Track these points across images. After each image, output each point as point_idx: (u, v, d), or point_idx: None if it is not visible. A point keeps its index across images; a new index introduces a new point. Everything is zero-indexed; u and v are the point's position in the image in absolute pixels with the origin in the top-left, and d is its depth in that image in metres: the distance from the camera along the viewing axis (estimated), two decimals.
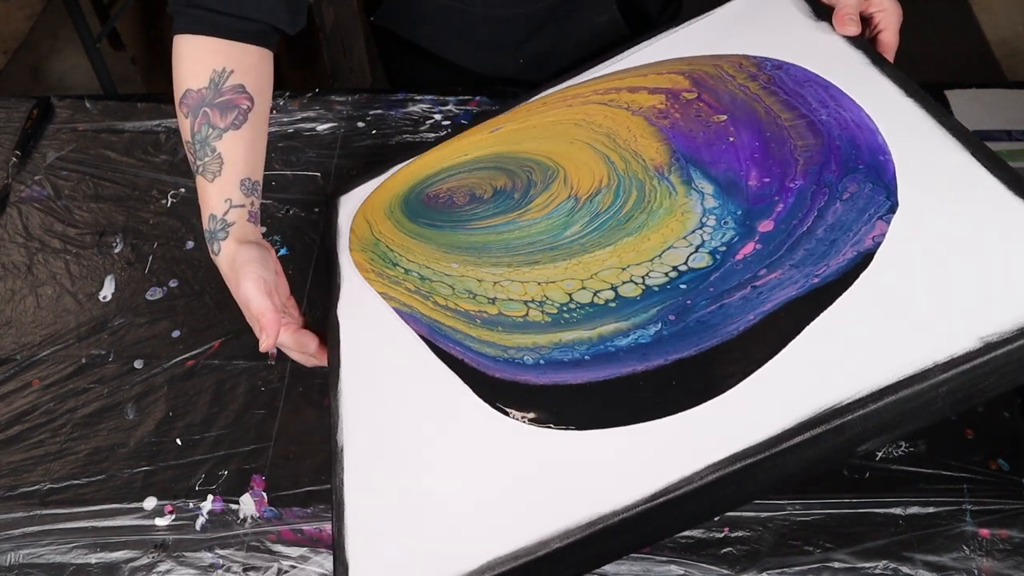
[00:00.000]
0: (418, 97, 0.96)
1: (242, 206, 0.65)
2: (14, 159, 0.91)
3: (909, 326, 0.46)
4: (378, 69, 2.01)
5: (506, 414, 0.54)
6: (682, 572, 0.61)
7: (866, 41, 0.66)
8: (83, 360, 0.75)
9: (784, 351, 0.48)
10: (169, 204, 0.87)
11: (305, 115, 0.95)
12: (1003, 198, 0.50)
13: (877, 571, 0.61)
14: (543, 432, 0.52)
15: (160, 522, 0.65)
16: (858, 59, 0.65)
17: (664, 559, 0.62)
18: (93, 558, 0.64)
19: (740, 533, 0.63)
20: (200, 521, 0.65)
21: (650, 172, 0.65)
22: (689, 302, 0.54)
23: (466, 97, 0.95)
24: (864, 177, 0.56)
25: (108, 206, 0.88)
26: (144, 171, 0.90)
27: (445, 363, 0.59)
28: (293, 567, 0.63)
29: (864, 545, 0.62)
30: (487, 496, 0.51)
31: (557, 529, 0.47)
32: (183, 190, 0.88)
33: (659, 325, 0.54)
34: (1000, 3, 2.20)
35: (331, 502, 0.55)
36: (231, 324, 0.77)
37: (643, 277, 0.57)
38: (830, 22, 0.68)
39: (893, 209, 0.53)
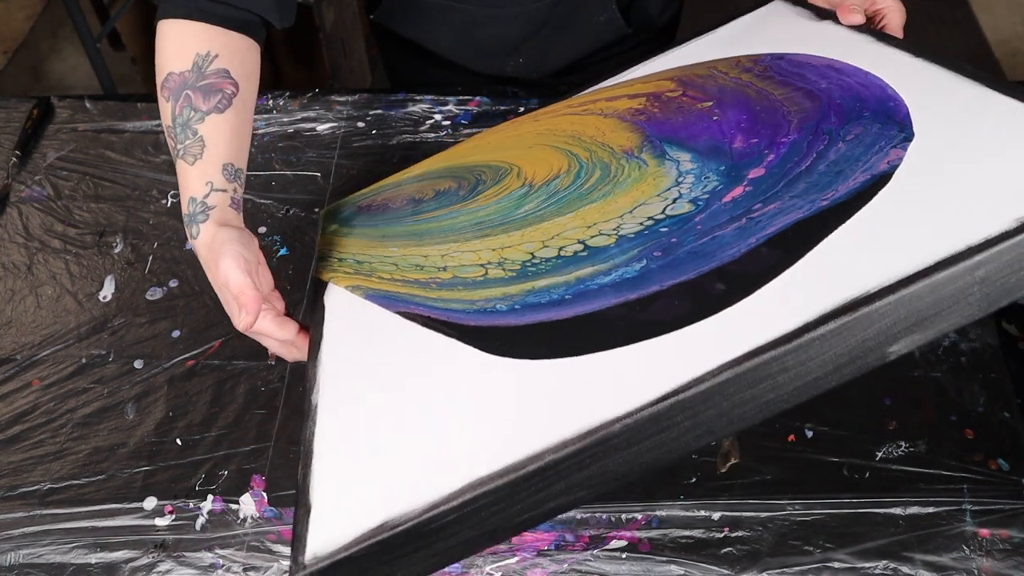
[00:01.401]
0: (418, 97, 0.96)
1: (224, 191, 0.62)
2: (14, 159, 0.91)
3: (938, 219, 0.43)
4: (378, 69, 2.01)
5: (494, 353, 0.49)
6: (682, 572, 0.61)
7: (869, 28, 0.65)
8: (83, 360, 0.75)
9: (802, 259, 0.44)
10: (169, 204, 0.87)
11: (305, 115, 0.95)
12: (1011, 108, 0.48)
13: (877, 571, 0.61)
14: (534, 364, 0.47)
15: (160, 522, 0.65)
16: (863, 39, 0.63)
17: (664, 559, 0.62)
18: (93, 558, 0.64)
19: (740, 533, 0.63)
20: (200, 521, 0.65)
21: (617, 155, 0.62)
22: (675, 240, 0.49)
23: (466, 97, 0.95)
24: (871, 120, 0.52)
25: (108, 206, 0.88)
26: (144, 171, 0.90)
27: (415, 322, 0.56)
28: None
29: (864, 545, 0.62)
30: (467, 417, 0.46)
31: (550, 441, 0.41)
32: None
33: (643, 262, 0.49)
34: (1000, 3, 2.20)
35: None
36: (231, 324, 0.77)
37: (614, 230, 0.53)
38: (832, 20, 0.68)
39: (908, 139, 0.49)
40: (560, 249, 0.54)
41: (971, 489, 0.65)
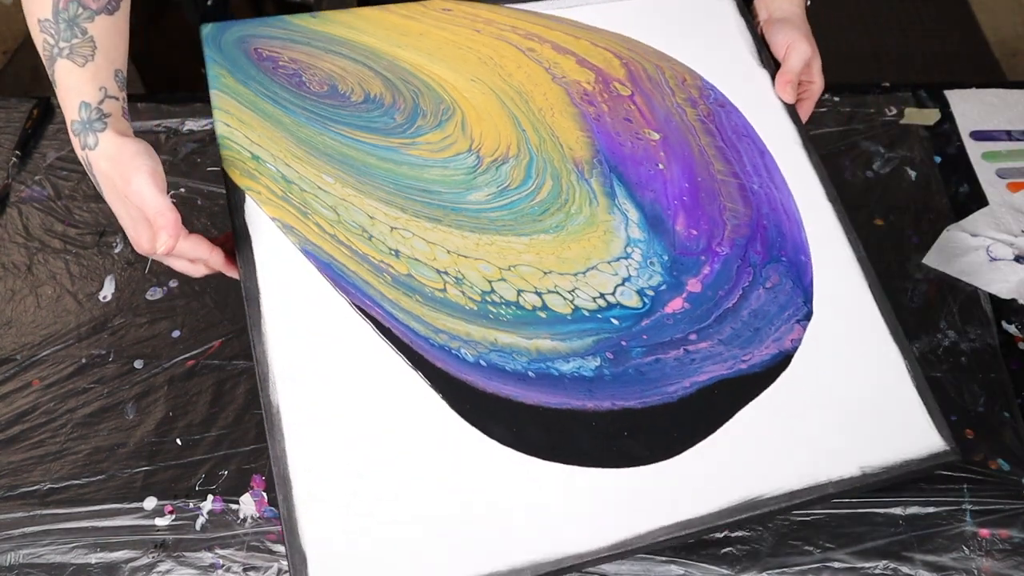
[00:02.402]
0: None
1: (116, 99, 0.57)
2: (14, 159, 0.91)
3: (811, 441, 0.55)
4: None
5: (464, 417, 0.54)
6: (682, 572, 0.61)
7: (797, 115, 0.69)
8: (83, 360, 0.75)
9: (720, 431, 0.55)
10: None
11: None
12: (885, 339, 0.59)
13: (877, 571, 0.61)
14: (506, 452, 0.53)
15: (160, 522, 0.65)
16: (792, 135, 0.67)
17: (664, 559, 0.62)
18: (93, 558, 0.64)
19: (740, 533, 0.63)
20: (200, 521, 0.65)
21: (568, 164, 0.63)
22: (624, 343, 0.57)
23: None
24: (786, 271, 0.61)
25: (108, 206, 0.87)
26: None
27: (374, 328, 0.55)
28: None
29: (864, 545, 0.62)
30: (451, 511, 0.51)
31: (527, 561, 0.50)
32: (183, 190, 0.88)
33: (599, 361, 0.56)
34: (1000, 3, 2.20)
35: (278, 471, 0.52)
36: (231, 324, 0.77)
37: (570, 293, 0.58)
38: (769, 70, 0.70)
39: (808, 316, 0.60)
40: (519, 293, 0.58)
41: (971, 489, 0.65)
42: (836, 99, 0.95)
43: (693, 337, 0.58)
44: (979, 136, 0.91)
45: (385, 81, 0.66)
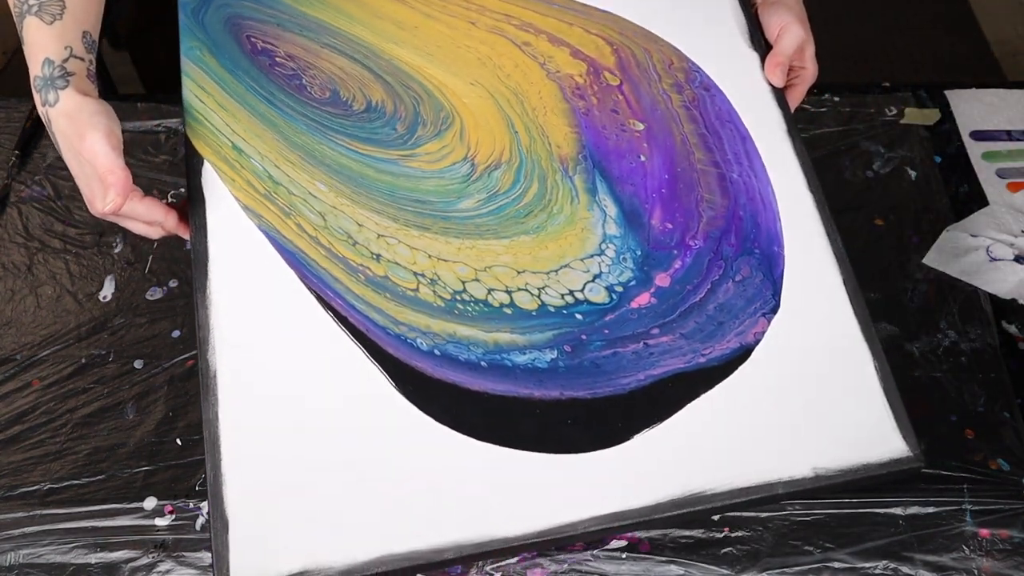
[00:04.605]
0: None
1: (82, 59, 0.58)
2: (14, 159, 0.91)
3: (763, 438, 0.54)
4: None
5: (405, 396, 0.54)
6: (682, 572, 0.62)
7: (785, 100, 0.67)
8: (83, 360, 0.75)
9: (668, 421, 0.54)
10: (169, 204, 0.87)
11: None
12: (854, 337, 0.57)
13: (877, 571, 0.61)
14: (442, 430, 0.53)
15: (160, 522, 0.65)
16: (777, 121, 0.66)
17: (664, 559, 0.62)
18: (93, 558, 0.64)
19: (740, 533, 0.63)
20: (200, 521, 0.65)
21: (554, 162, 0.63)
22: (584, 337, 0.57)
23: None
24: (757, 264, 0.60)
25: None
26: (144, 171, 0.90)
27: (328, 313, 0.56)
28: None
29: (864, 545, 0.62)
30: (382, 477, 0.52)
31: (452, 540, 0.50)
32: (183, 190, 0.88)
33: (555, 353, 0.56)
34: (1000, 3, 2.20)
35: (208, 436, 0.52)
36: None
37: (539, 290, 0.58)
38: (759, 52, 0.69)
39: (775, 309, 0.58)
40: (489, 292, 0.58)
41: (971, 489, 0.65)
42: (836, 99, 0.95)
43: (655, 331, 0.57)
44: (979, 136, 0.91)
45: (386, 86, 0.66)
